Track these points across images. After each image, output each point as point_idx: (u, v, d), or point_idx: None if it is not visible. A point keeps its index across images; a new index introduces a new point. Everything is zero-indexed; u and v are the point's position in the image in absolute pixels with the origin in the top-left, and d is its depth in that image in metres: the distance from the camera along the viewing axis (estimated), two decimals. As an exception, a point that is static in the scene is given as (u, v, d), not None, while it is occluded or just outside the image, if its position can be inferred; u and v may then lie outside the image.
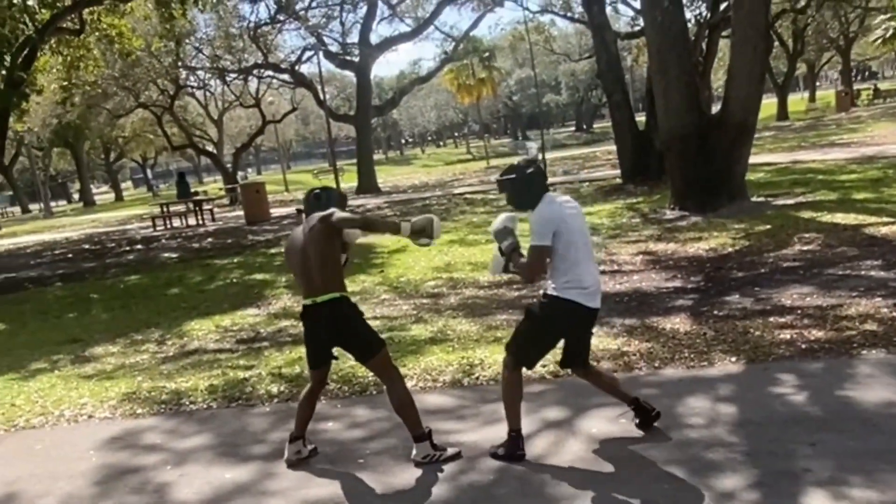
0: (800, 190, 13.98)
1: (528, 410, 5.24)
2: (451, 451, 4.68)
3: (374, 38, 33.52)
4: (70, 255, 20.20)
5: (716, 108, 16.78)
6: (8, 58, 19.91)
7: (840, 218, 10.74)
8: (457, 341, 7.09)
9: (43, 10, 21.14)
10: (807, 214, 11.39)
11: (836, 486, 3.80)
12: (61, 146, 56.58)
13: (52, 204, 58.94)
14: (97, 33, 23.68)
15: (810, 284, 7.64)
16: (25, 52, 20.74)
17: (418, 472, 4.56)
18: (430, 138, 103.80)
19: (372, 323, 8.17)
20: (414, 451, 4.65)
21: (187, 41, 33.01)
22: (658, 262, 9.81)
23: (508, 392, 4.56)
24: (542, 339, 4.55)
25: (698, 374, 5.60)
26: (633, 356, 6.06)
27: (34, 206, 61.36)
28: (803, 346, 5.84)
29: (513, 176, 4.56)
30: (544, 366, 6.08)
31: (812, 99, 56.60)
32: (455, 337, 7.25)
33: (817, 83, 65.92)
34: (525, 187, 4.54)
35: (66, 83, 27.40)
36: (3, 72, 20.28)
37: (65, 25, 22.10)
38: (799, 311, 6.73)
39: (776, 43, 39.66)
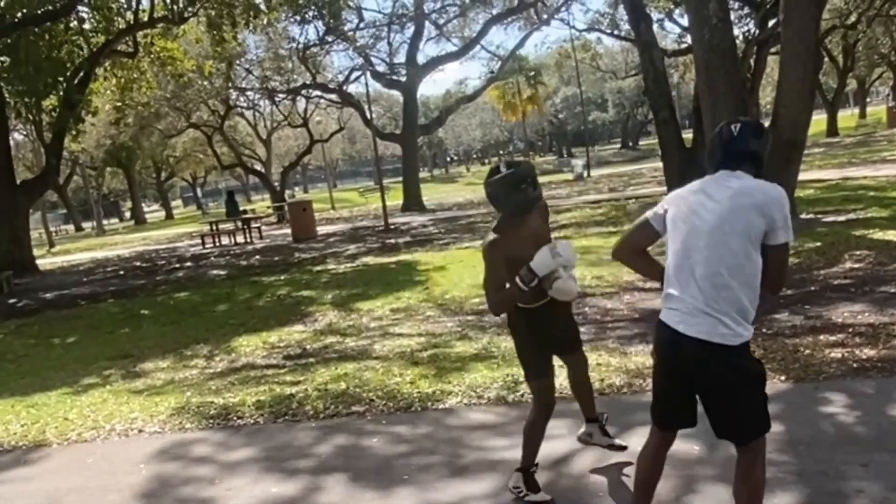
0: (850, 207, 13.75)
1: (573, 426, 5.23)
2: (542, 497, 4.32)
3: (420, 58, 33.90)
4: (122, 273, 20.58)
5: (764, 124, 16.60)
6: (64, 80, 20.46)
7: (892, 235, 10.54)
8: (501, 358, 7.08)
9: (98, 34, 21.69)
10: (858, 231, 11.20)
11: (889, 507, 3.74)
12: (114, 166, 57.78)
13: (105, 222, 60.18)
14: (150, 56, 24.24)
15: (862, 302, 7.51)
16: (81, 74, 21.31)
17: (462, 488, 4.57)
18: (474, 156, 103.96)
19: (417, 339, 8.28)
20: (512, 479, 4.44)
21: (238, 63, 33.60)
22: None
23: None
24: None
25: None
26: (679, 374, 6.00)
27: (87, 224, 62.67)
28: (854, 365, 5.73)
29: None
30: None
31: (862, 115, 55.66)
32: (499, 354, 7.24)
33: (868, 99, 64.83)
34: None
35: (119, 104, 28.07)
36: (60, 94, 20.85)
37: (119, 48, 22.68)
38: (850, 330, 6.61)
39: (826, 59, 39.16)
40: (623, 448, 4.62)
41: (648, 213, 3.55)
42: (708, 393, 3.30)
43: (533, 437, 4.35)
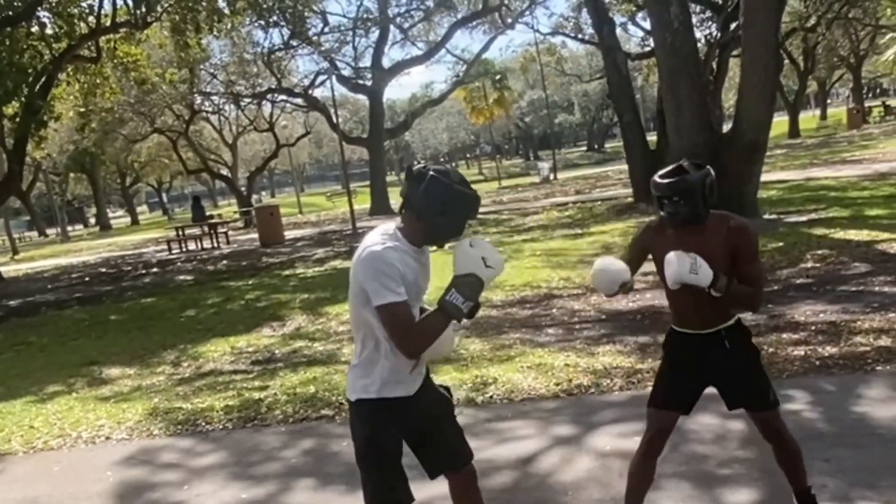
0: (812, 207, 13.97)
1: (541, 426, 5.29)
2: None
3: (386, 62, 33.87)
4: (87, 279, 20.35)
5: (727, 126, 16.81)
6: (26, 86, 20.19)
7: (853, 234, 10.72)
8: (469, 360, 7.12)
9: (60, 39, 21.43)
10: (819, 231, 11.38)
11: (851, 501, 3.82)
12: (78, 171, 57.10)
13: (69, 228, 59.39)
14: (114, 61, 23.99)
15: (823, 301, 7.64)
16: (43, 80, 21.04)
17: (430, 490, 4.56)
18: (442, 159, 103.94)
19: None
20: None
21: (202, 67, 33.36)
22: (671, 281, 9.81)
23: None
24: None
25: (711, 390, 5.59)
26: (645, 374, 6.07)
27: (51, 231, 61.81)
28: (817, 363, 5.84)
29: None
30: (558, 384, 6.12)
31: (823, 116, 56.53)
32: (468, 356, 7.28)
33: (828, 101, 65.84)
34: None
35: (83, 110, 27.72)
36: (22, 99, 20.57)
37: (82, 53, 22.41)
38: (812, 328, 6.73)
39: (787, 61, 39.72)
40: None
41: None
42: None
43: (631, 480, 3.66)
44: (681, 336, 3.60)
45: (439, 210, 2.96)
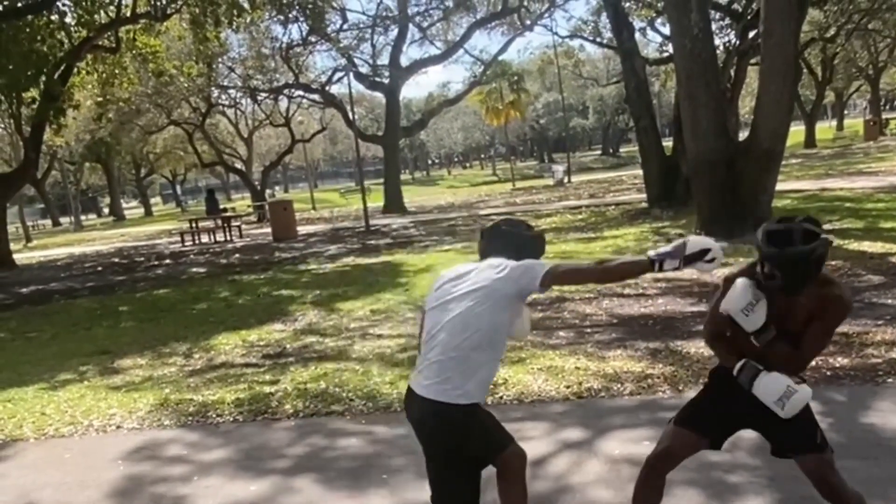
0: (827, 218, 13.88)
1: (550, 431, 5.30)
2: None
3: (404, 61, 33.90)
4: (100, 269, 20.46)
5: (743, 134, 16.76)
6: (45, 73, 20.31)
7: (867, 246, 10.69)
8: (481, 361, 7.11)
9: (80, 28, 21.55)
10: (833, 242, 11.31)
11: (859, 512, 3.81)
12: (93, 161, 57.35)
13: (83, 217, 59.69)
14: (133, 52, 24.11)
15: (836, 312, 7.60)
16: (62, 68, 21.17)
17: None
18: (456, 159, 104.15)
19: (396, 340, 8.31)
20: None
21: (220, 60, 33.49)
22: (682, 287, 9.80)
23: None
24: None
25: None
26: (656, 379, 6.08)
27: (65, 220, 62.14)
28: (828, 373, 5.83)
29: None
30: (568, 386, 6.13)
31: (840, 127, 56.26)
32: (479, 356, 7.27)
33: (845, 111, 65.51)
34: None
35: (100, 99, 27.87)
36: (41, 87, 20.70)
37: (101, 43, 22.53)
38: (824, 339, 6.71)
39: (805, 71, 39.54)
40: None
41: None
42: None
43: (635, 494, 3.62)
44: (727, 371, 3.35)
45: (517, 256, 3.42)
